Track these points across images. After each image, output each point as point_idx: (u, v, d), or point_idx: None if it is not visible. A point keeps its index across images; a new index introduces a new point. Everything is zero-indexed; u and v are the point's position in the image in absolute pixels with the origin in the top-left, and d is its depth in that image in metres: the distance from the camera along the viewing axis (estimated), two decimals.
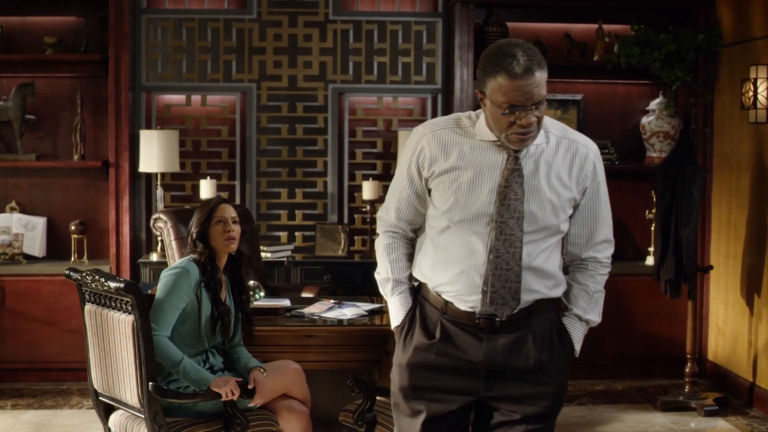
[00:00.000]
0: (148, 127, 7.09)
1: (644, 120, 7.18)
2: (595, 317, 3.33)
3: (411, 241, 3.36)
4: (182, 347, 4.30)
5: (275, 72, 7.19)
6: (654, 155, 7.12)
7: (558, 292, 3.25)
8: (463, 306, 3.15)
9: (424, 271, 3.25)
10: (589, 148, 3.22)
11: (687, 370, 6.35)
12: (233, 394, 4.20)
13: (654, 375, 7.05)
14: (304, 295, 5.99)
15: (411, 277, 3.34)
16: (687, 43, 6.83)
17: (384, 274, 3.35)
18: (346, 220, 7.24)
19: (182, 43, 7.14)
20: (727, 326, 6.81)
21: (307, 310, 5.19)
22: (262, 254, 6.62)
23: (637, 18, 7.01)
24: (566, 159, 3.16)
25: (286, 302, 5.42)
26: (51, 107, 7.08)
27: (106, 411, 4.48)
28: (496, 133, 3.08)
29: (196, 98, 7.20)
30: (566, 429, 5.89)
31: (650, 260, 6.95)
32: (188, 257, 4.48)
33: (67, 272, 4.44)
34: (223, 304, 4.43)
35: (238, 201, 7.18)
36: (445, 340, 3.18)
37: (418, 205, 3.26)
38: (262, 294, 5.42)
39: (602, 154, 7.12)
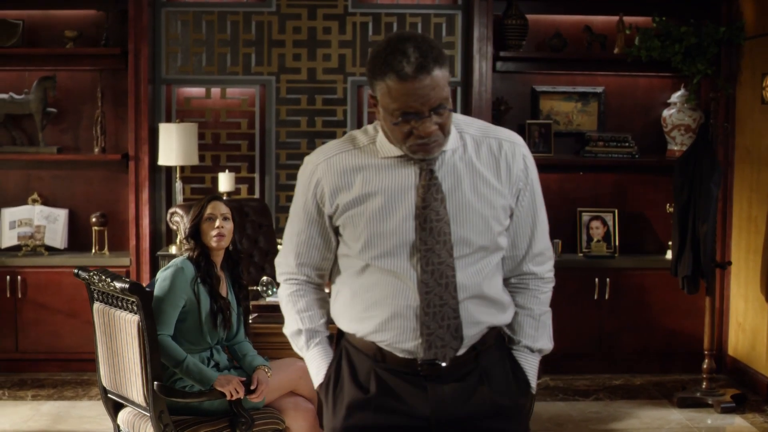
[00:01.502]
0: (168, 120, 7.13)
1: (665, 113, 7.12)
2: (547, 343, 2.86)
3: (318, 287, 2.85)
4: (185, 345, 4.33)
5: (294, 65, 7.20)
6: (675, 148, 7.06)
7: (506, 317, 2.78)
8: (401, 353, 2.66)
9: (347, 321, 2.74)
10: (515, 142, 2.73)
11: (704, 366, 6.30)
12: (237, 393, 4.23)
13: (673, 370, 7.01)
14: None
15: (325, 326, 2.84)
16: (708, 36, 6.77)
17: (293, 326, 2.82)
18: None
19: (202, 36, 7.16)
20: (747, 322, 6.75)
21: None
22: (280, 247, 6.63)
23: (659, 10, 6.95)
24: (491, 159, 2.67)
25: None
26: (72, 100, 7.14)
27: (115, 408, 4.53)
28: (396, 145, 2.63)
29: (215, 91, 7.22)
30: (580, 425, 5.88)
31: (670, 255, 6.90)
32: (183, 255, 4.52)
33: (76, 271, 4.50)
34: (222, 298, 4.45)
35: (257, 194, 7.21)
36: (383, 393, 2.67)
37: (323, 248, 2.76)
38: (275, 290, 5.43)
39: (623, 147, 7.08)
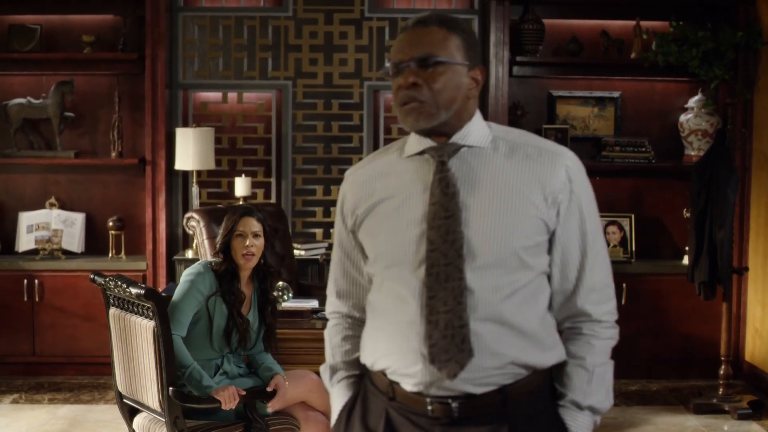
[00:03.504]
0: (185, 124, 7.15)
1: (683, 118, 7.09)
2: (603, 401, 2.39)
3: (359, 323, 2.52)
4: (191, 349, 4.30)
5: (311, 69, 7.22)
6: (692, 153, 7.03)
7: (546, 359, 2.33)
8: (408, 384, 2.30)
9: (363, 351, 2.46)
10: (557, 153, 2.35)
11: (721, 372, 6.27)
12: (231, 402, 4.19)
13: (690, 375, 6.98)
14: None
15: (356, 364, 2.53)
16: (726, 41, 6.73)
17: (326, 361, 2.59)
18: None
19: (219, 41, 7.18)
20: (764, 328, 6.72)
21: None
22: (296, 252, 6.65)
23: (676, 15, 6.91)
24: (523, 165, 2.31)
25: (314, 303, 5.44)
26: (89, 105, 7.17)
27: (130, 413, 4.54)
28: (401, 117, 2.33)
29: (232, 96, 7.24)
30: (597, 431, 5.85)
31: (687, 260, 6.88)
32: (208, 260, 4.51)
33: (92, 277, 4.53)
34: (240, 317, 4.40)
35: (273, 198, 7.23)
36: None
37: (354, 272, 2.49)
38: (290, 295, 5.45)
39: (640, 152, 7.06)
